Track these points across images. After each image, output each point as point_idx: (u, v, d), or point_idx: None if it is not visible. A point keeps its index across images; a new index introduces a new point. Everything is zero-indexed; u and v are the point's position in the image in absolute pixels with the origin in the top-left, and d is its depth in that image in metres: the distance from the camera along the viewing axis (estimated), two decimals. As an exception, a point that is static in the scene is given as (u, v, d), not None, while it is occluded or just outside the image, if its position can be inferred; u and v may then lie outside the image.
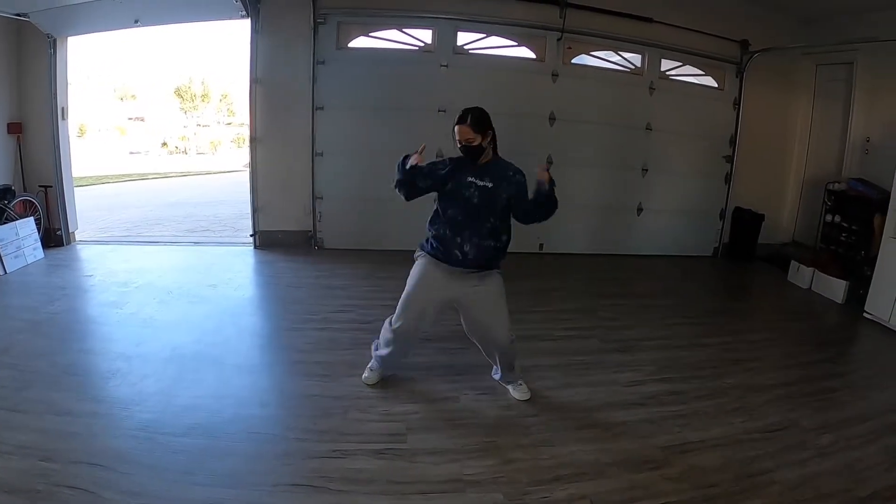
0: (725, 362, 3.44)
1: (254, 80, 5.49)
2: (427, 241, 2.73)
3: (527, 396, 2.88)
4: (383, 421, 2.60)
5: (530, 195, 2.63)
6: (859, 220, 5.26)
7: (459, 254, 2.61)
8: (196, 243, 6.16)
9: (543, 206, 2.60)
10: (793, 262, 5.59)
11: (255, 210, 5.79)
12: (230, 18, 5.25)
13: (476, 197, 2.59)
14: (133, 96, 43.10)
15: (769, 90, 6.40)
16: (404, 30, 5.63)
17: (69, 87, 5.61)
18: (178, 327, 3.63)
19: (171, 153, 37.86)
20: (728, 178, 6.49)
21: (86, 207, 8.80)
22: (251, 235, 5.83)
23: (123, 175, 16.98)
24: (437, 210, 2.71)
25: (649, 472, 2.32)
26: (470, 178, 2.60)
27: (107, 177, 16.20)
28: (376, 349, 2.92)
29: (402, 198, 2.69)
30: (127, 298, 4.12)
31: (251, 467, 2.22)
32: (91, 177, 15.76)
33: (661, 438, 2.56)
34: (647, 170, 6.28)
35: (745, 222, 6.44)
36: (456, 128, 2.57)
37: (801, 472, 2.36)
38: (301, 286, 4.63)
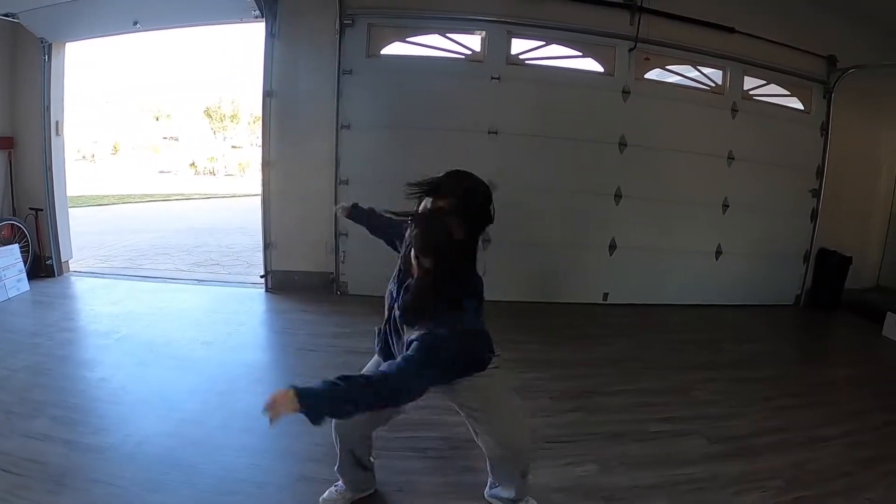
0: (857, 465, 2.69)
1: (267, 93, 4.74)
2: None
3: None
4: None
5: None
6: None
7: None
8: (200, 281, 5.44)
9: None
10: (889, 314, 4.85)
11: (266, 246, 4.99)
12: (242, 21, 4.65)
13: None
14: (168, 116, 44.13)
15: (855, 114, 5.63)
16: (448, 35, 4.83)
17: (65, 98, 5.15)
18: (152, 406, 2.82)
19: (198, 174, 38.42)
20: (814, 216, 5.67)
21: (96, 230, 8.40)
22: (262, 276, 5.04)
23: (146, 195, 16.78)
24: None
25: None
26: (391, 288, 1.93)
27: (129, 196, 16.03)
28: None
29: None
30: (103, 356, 3.47)
31: None
32: (113, 196, 15.58)
33: None
34: (727, 206, 5.40)
35: (831, 266, 5.66)
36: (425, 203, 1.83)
37: None
38: (317, 348, 3.76)
